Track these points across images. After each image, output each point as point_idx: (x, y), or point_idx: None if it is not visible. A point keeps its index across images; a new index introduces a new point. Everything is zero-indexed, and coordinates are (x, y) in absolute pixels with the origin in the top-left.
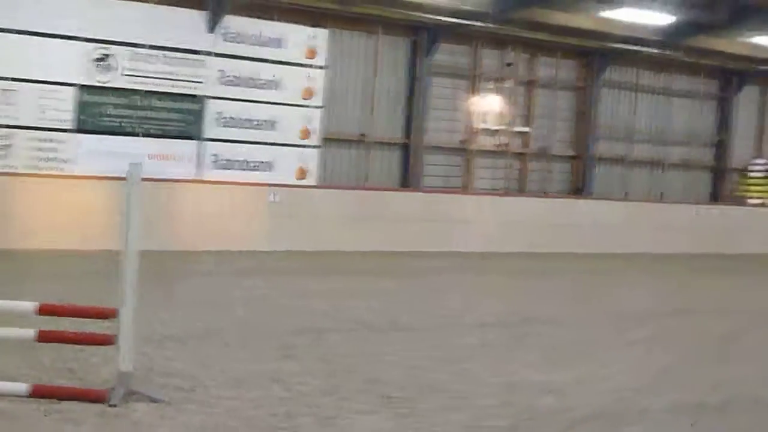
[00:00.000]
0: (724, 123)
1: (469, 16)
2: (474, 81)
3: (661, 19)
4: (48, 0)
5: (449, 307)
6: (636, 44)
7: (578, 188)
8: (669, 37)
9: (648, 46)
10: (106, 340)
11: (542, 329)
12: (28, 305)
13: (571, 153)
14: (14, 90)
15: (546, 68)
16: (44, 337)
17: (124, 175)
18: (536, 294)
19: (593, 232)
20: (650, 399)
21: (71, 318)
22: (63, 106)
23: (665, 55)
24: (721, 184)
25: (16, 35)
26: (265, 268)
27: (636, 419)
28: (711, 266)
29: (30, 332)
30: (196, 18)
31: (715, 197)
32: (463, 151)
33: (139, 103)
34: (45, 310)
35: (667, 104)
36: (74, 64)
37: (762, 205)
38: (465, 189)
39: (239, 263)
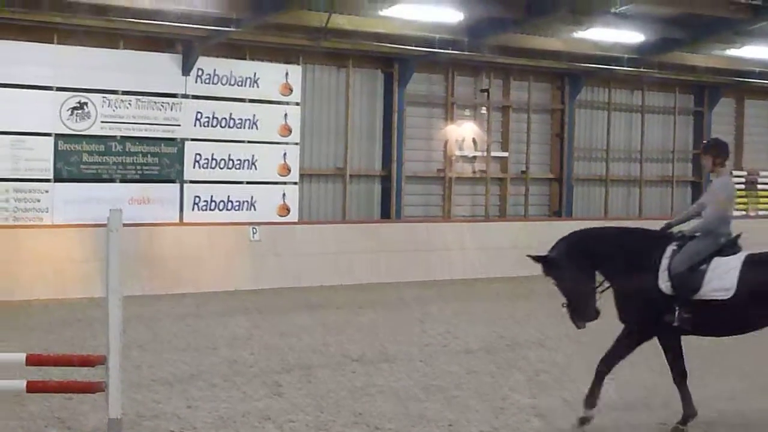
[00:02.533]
0: (700, 137)
1: (441, 44)
2: (449, 108)
3: (632, 37)
4: (21, 50)
5: (435, 335)
6: (608, 63)
7: (558, 210)
8: (641, 54)
9: (620, 64)
10: (94, 388)
11: (528, 353)
12: (18, 356)
13: (549, 175)
14: None
15: (520, 92)
16: (34, 388)
17: (104, 222)
18: (521, 318)
19: None
20: (640, 417)
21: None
22: (40, 156)
23: (638, 72)
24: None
25: None
26: (249, 307)
27: None
28: None
29: (21, 383)
30: (169, 61)
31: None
32: (441, 179)
33: (116, 149)
34: (32, 360)
35: (643, 121)
36: (50, 114)
37: (745, 216)
38: (445, 217)
39: (223, 303)
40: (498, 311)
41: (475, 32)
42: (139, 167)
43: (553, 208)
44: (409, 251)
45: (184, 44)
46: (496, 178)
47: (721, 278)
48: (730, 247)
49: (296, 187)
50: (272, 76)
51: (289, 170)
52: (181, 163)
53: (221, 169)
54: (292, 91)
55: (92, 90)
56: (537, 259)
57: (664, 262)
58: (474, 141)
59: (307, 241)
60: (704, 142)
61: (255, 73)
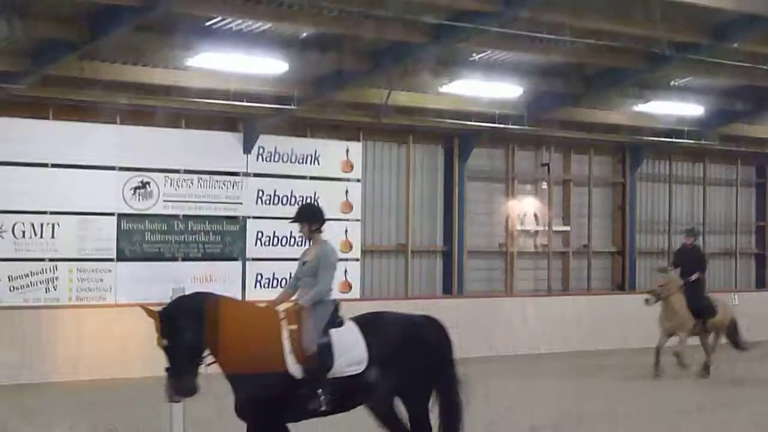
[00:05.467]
0: (763, 208)
1: (501, 119)
2: (510, 183)
3: (693, 109)
4: (84, 132)
5: (499, 411)
6: (669, 136)
7: (621, 283)
8: (702, 126)
9: (681, 137)
10: None
11: (596, 429)
12: None
13: (611, 248)
14: (56, 223)
15: (581, 165)
16: None
17: (167, 300)
18: (587, 393)
19: (638, 326)
20: None
21: None
22: (104, 236)
23: (699, 144)
24: (765, 270)
25: (54, 168)
26: None
27: None
28: (760, 353)
29: None
30: (231, 140)
31: (761, 283)
32: (503, 253)
33: (178, 228)
34: None
35: (705, 193)
36: (113, 194)
37: None
38: (508, 291)
39: None
40: (563, 386)
41: (535, 107)
42: (201, 245)
43: (616, 281)
44: (471, 326)
45: (246, 122)
46: (558, 252)
47: (350, 351)
48: (336, 315)
49: (358, 263)
50: (333, 152)
51: (351, 246)
52: (244, 241)
53: (283, 246)
54: (353, 167)
55: (154, 169)
56: (150, 313)
57: (287, 342)
58: (535, 215)
59: None
60: (299, 208)
61: (316, 150)
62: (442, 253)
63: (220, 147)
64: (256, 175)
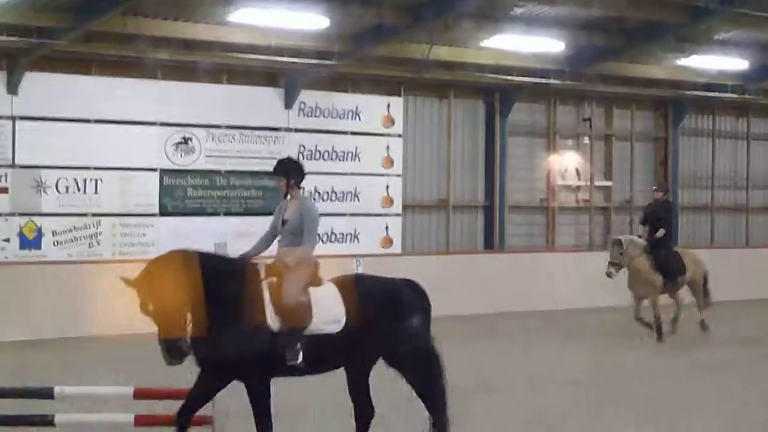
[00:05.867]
0: None
1: (543, 74)
2: (551, 138)
3: (737, 63)
4: (126, 87)
5: (539, 366)
6: (712, 90)
7: None
8: (746, 81)
9: (724, 91)
10: (202, 421)
11: (634, 383)
12: (125, 390)
13: None
14: (99, 179)
15: (623, 120)
16: (142, 421)
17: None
18: (627, 348)
19: None
20: None
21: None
22: (146, 191)
23: (743, 99)
24: None
25: (96, 124)
26: None
27: None
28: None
29: (129, 417)
30: (272, 95)
31: None
32: (544, 209)
33: (220, 183)
34: (140, 394)
35: (748, 148)
36: (155, 149)
37: None
38: (549, 246)
39: None
40: (603, 341)
41: (576, 61)
42: (242, 201)
43: None
44: (512, 282)
45: (287, 78)
46: (599, 208)
47: (329, 309)
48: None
49: (399, 218)
50: (374, 108)
51: (392, 202)
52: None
53: (324, 201)
54: (394, 122)
55: (196, 125)
56: (129, 282)
57: (266, 295)
58: (577, 170)
59: (410, 273)
60: (279, 161)
61: (357, 106)
62: (483, 209)
63: (261, 102)
64: (297, 130)
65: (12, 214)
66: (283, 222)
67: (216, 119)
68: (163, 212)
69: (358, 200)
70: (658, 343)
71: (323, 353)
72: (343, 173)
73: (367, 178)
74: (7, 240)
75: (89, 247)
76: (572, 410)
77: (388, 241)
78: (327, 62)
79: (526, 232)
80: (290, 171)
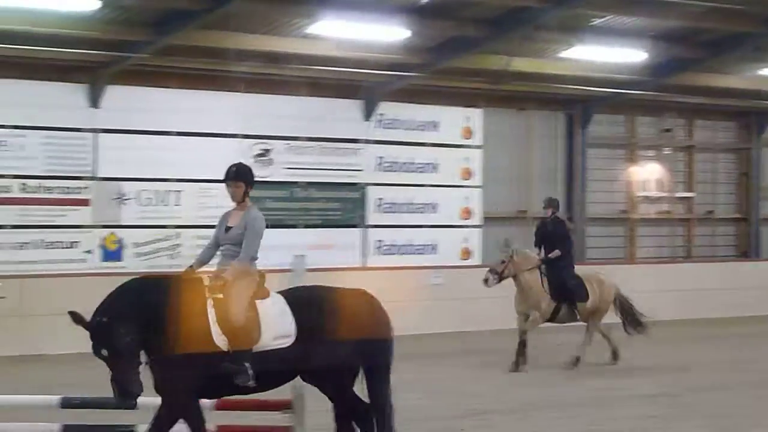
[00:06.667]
0: None
1: (623, 85)
2: (632, 149)
3: None
4: (206, 100)
5: (615, 379)
6: None
7: (746, 251)
8: None
9: None
10: (283, 405)
11: (710, 397)
12: (206, 402)
13: (736, 215)
14: (179, 190)
15: (704, 131)
16: None
17: (287, 268)
18: (704, 361)
19: (763, 294)
20: None
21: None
22: (225, 203)
23: None
24: None
25: (177, 137)
26: (422, 353)
27: None
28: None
29: (210, 428)
30: (351, 107)
31: None
32: (625, 220)
33: (298, 195)
34: (222, 405)
35: None
36: (234, 161)
37: None
38: (629, 259)
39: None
40: (681, 354)
41: (657, 72)
42: (321, 213)
43: (740, 248)
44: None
45: (366, 90)
46: (681, 219)
47: (277, 324)
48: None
49: (478, 230)
50: (453, 120)
51: (471, 214)
52: (363, 208)
53: (403, 213)
54: (473, 134)
55: (276, 137)
56: (83, 324)
57: (212, 312)
58: (657, 182)
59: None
60: (231, 167)
61: (436, 118)
62: None
63: (340, 114)
64: (376, 142)
65: (94, 226)
66: (227, 229)
67: (295, 131)
68: None
69: (437, 212)
70: (511, 371)
71: (273, 369)
72: (422, 185)
73: (446, 189)
74: (89, 252)
75: (170, 258)
76: (647, 423)
77: (467, 253)
78: (406, 74)
79: (606, 243)
80: (247, 177)
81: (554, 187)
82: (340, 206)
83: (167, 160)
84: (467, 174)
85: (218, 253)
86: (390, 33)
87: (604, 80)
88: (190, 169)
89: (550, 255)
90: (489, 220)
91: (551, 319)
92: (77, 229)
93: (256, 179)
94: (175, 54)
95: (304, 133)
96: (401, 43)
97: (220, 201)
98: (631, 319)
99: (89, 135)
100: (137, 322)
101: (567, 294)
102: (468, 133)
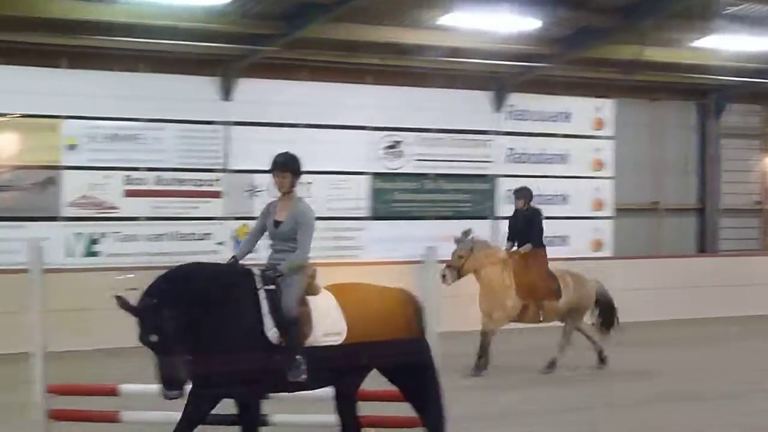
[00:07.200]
0: None
1: (758, 74)
2: (766, 139)
3: None
4: (337, 92)
5: (751, 373)
6: None
7: None
8: None
9: None
10: (414, 423)
11: None
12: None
13: None
14: (310, 182)
15: None
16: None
17: (416, 259)
18: None
19: None
20: None
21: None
22: (356, 195)
23: None
24: None
25: (307, 129)
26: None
27: None
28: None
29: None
30: (481, 98)
31: None
32: (759, 211)
33: (428, 187)
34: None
35: None
36: (365, 154)
37: None
38: (764, 250)
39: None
40: None
41: None
42: (451, 204)
43: None
44: (726, 286)
45: (496, 81)
46: None
47: (327, 320)
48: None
49: (610, 222)
50: (584, 110)
51: (603, 205)
52: (493, 200)
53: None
54: (604, 125)
55: (406, 129)
56: (130, 309)
57: (264, 305)
58: None
59: (621, 277)
60: (278, 156)
61: (567, 109)
62: (695, 211)
63: (470, 106)
64: (506, 133)
65: (226, 218)
66: (276, 224)
67: (425, 123)
68: (373, 216)
69: (568, 203)
70: (473, 375)
71: (323, 366)
72: (553, 176)
73: (577, 181)
74: (221, 243)
75: None
76: None
77: (599, 245)
78: (537, 65)
79: (740, 235)
80: (295, 167)
81: (686, 177)
82: (470, 198)
83: (298, 153)
84: (598, 165)
85: (268, 248)
86: (521, 23)
87: (739, 69)
88: (320, 162)
89: (520, 249)
90: (621, 211)
91: (520, 319)
92: (209, 221)
93: (383, 171)
94: (307, 47)
95: (434, 124)
96: (532, 33)
97: (350, 193)
98: (608, 319)
99: (221, 128)
100: (187, 308)
101: (537, 292)
102: (599, 123)
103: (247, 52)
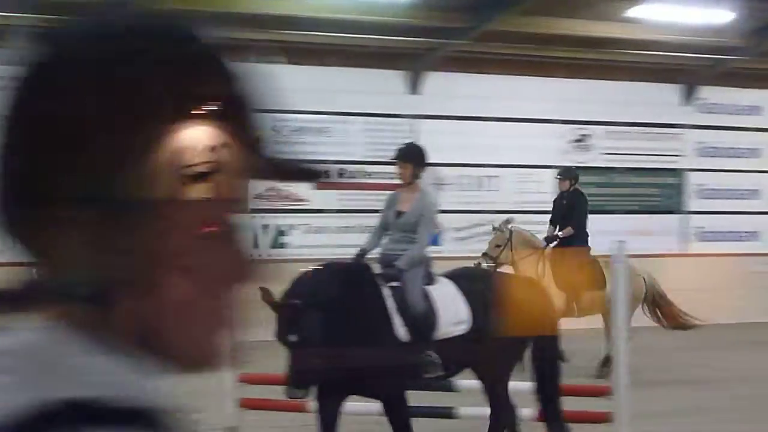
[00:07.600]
0: None
1: None
2: None
3: None
4: (524, 86)
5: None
6: None
7: None
8: None
9: None
10: (602, 418)
11: None
12: (524, 385)
13: None
14: (495, 176)
15: None
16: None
17: (607, 253)
18: None
19: None
20: None
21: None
22: (543, 189)
23: None
24: None
25: (494, 122)
26: (755, 341)
27: None
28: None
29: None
30: (668, 92)
31: None
32: None
33: (617, 181)
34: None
35: None
36: (553, 147)
37: None
38: None
39: (723, 337)
40: None
41: None
42: (640, 198)
43: None
44: None
45: (686, 74)
46: None
47: (450, 309)
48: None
49: None
50: None
51: None
52: (682, 194)
53: (723, 199)
54: None
55: (593, 122)
56: (272, 304)
57: (390, 302)
58: None
59: None
60: (406, 146)
61: (759, 102)
62: None
63: (658, 99)
64: (696, 127)
65: None
66: (398, 214)
67: (614, 116)
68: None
69: (760, 198)
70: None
71: (453, 357)
72: (745, 171)
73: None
74: None
75: None
76: None
77: None
78: (729, 57)
79: None
80: (417, 158)
81: None
82: (659, 192)
83: (485, 146)
84: None
85: (388, 237)
86: (713, 16)
87: None
88: (508, 155)
89: (560, 234)
90: None
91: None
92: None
93: (570, 165)
94: (494, 40)
95: (622, 118)
96: (724, 25)
97: (539, 186)
98: (668, 313)
99: (409, 121)
100: (326, 309)
101: (575, 283)
102: None
103: (435, 45)
